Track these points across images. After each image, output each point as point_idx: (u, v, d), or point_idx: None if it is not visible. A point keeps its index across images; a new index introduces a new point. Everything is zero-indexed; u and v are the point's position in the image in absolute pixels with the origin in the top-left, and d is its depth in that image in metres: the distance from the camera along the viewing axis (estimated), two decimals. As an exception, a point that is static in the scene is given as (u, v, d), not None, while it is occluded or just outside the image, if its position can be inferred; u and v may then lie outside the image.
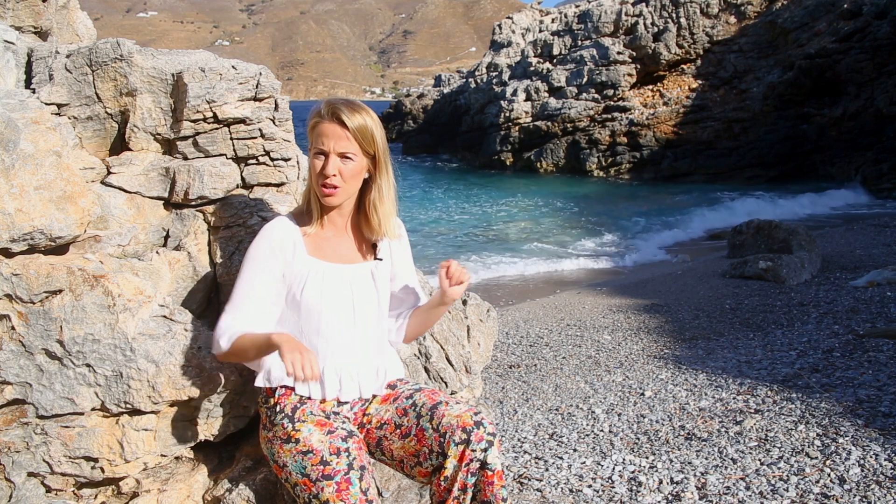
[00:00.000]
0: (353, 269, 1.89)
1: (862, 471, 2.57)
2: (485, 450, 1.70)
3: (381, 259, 1.95)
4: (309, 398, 1.80)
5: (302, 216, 1.90)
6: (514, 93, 26.68)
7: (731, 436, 3.09)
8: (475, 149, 28.42)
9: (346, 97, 1.90)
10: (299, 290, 1.81)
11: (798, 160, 21.26)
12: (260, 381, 1.83)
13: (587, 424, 3.58)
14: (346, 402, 1.85)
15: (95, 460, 1.77)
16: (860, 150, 19.15)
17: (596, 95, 25.04)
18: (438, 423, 1.73)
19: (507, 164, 26.59)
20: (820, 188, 18.19)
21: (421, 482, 1.84)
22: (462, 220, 17.46)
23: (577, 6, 29.37)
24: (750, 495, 2.53)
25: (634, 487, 2.72)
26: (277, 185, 2.33)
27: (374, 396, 1.91)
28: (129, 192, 2.14)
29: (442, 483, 1.72)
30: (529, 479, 2.92)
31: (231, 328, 1.75)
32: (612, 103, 24.65)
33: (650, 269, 10.73)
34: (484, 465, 1.69)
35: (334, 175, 1.79)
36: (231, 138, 2.24)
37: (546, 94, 26.18)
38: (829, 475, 2.58)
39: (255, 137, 2.26)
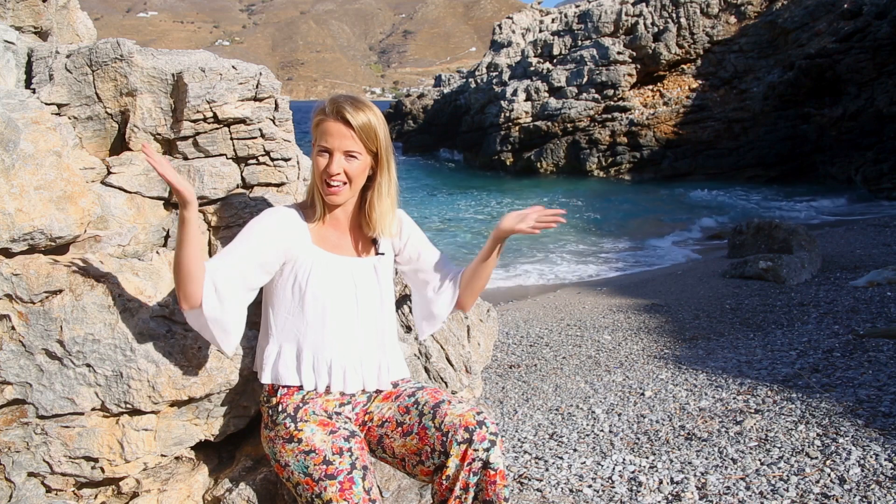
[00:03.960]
0: (357, 263, 1.90)
1: (862, 471, 2.57)
2: (487, 449, 1.69)
3: (382, 254, 1.96)
4: (313, 396, 1.80)
5: (305, 210, 1.91)
6: (515, 93, 26.65)
7: (732, 436, 3.09)
8: (475, 149, 28.38)
9: (350, 94, 1.90)
10: (304, 279, 1.81)
11: (798, 160, 21.24)
12: (264, 379, 1.83)
13: (587, 424, 3.58)
14: (349, 403, 1.85)
15: (95, 460, 1.77)
16: (860, 150, 19.10)
17: (596, 95, 25.02)
18: (441, 422, 1.73)
19: (508, 164, 26.56)
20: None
21: (423, 481, 1.83)
22: (462, 220, 17.46)
23: (577, 6, 29.35)
24: (750, 495, 2.53)
25: (634, 487, 2.72)
26: (277, 185, 2.33)
27: (378, 393, 1.91)
28: (130, 192, 2.13)
29: (444, 482, 1.72)
30: (529, 479, 2.92)
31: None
32: (612, 103, 24.63)
33: (650, 269, 10.74)
34: (486, 464, 1.69)
35: (338, 173, 1.79)
36: (231, 138, 2.24)
37: (546, 94, 26.16)
38: (829, 475, 2.58)
39: (255, 137, 2.26)
